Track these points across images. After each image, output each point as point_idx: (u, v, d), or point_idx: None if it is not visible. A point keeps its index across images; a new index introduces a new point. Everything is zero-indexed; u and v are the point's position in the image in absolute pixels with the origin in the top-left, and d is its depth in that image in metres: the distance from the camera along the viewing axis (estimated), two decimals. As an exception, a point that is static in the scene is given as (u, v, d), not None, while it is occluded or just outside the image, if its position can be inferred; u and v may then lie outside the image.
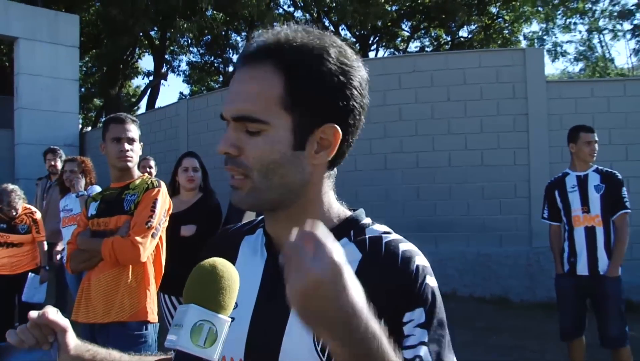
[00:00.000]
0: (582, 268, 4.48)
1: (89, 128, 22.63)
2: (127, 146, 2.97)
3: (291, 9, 22.12)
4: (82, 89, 21.44)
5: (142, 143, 3.12)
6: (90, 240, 2.93)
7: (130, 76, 24.62)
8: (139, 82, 28.73)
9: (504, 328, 6.57)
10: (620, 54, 56.47)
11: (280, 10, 20.62)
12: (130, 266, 2.86)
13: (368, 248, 1.04)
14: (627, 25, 21.74)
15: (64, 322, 1.09)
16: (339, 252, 0.78)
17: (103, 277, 2.84)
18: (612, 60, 23.79)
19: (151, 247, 2.88)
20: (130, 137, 2.99)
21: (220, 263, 0.90)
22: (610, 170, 4.58)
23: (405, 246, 1.04)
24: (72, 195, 5.39)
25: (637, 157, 7.63)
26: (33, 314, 1.06)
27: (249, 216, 4.16)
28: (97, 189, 5.38)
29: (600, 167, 4.59)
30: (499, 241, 8.12)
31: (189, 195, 4.21)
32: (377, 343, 0.80)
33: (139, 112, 23.98)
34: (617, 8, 21.20)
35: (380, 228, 1.09)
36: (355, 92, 1.01)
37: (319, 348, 0.97)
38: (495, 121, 8.20)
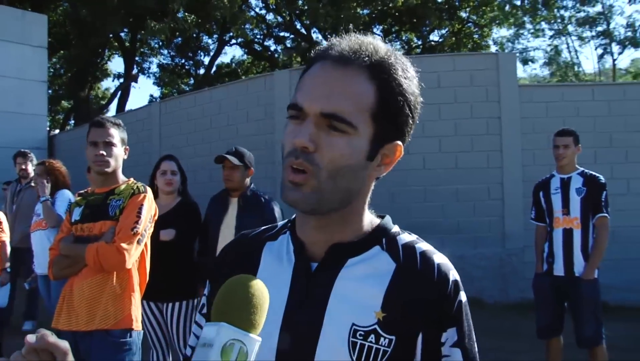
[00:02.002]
0: (559, 269, 4.57)
1: (57, 131, 22.24)
2: (102, 151, 2.90)
3: (263, 11, 22.08)
4: (50, 91, 21.07)
5: (126, 147, 3.05)
6: (73, 246, 2.87)
7: (99, 77, 24.27)
8: (109, 84, 28.39)
9: (479, 329, 6.50)
10: (588, 58, 57.48)
11: (252, 13, 20.52)
12: (115, 272, 2.80)
13: (402, 258, 1.04)
14: (588, 33, 22.25)
15: (64, 345, 1.01)
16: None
17: (87, 284, 2.78)
18: (578, 64, 24.27)
19: (136, 253, 2.83)
20: (108, 141, 2.92)
21: (252, 280, 0.87)
22: (594, 174, 4.64)
23: (440, 258, 1.06)
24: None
25: (605, 161, 7.78)
26: (31, 338, 0.97)
27: (229, 220, 4.13)
28: (67, 193, 5.29)
29: (585, 171, 4.66)
30: (473, 243, 8.20)
31: (167, 199, 4.16)
32: None
33: (109, 114, 23.62)
34: (582, 15, 21.67)
35: (409, 236, 1.10)
36: (417, 117, 1.05)
37: (354, 359, 0.96)
38: (469, 124, 8.28)
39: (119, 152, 2.99)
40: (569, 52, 24.21)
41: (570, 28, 22.85)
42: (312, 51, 1.09)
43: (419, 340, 0.98)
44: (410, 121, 1.03)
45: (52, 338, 1.01)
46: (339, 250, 1.04)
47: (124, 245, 2.74)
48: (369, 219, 1.10)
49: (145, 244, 2.95)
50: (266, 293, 0.87)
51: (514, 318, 6.99)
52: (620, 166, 8.00)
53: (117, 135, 2.97)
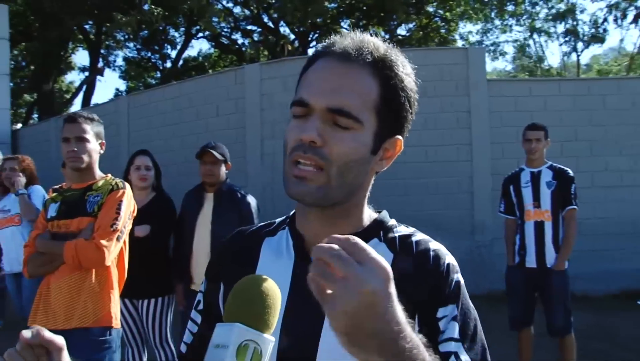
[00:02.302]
0: (531, 261, 4.65)
1: (19, 125, 21.76)
2: (73, 146, 2.85)
3: (230, 4, 21.89)
4: (12, 84, 20.58)
5: (102, 142, 3.01)
6: (51, 243, 2.81)
7: (64, 70, 23.79)
8: (73, 77, 27.88)
9: (450, 321, 6.70)
10: (554, 54, 58.68)
11: (220, 6, 20.32)
12: (94, 269, 2.76)
13: (399, 248, 1.07)
14: (560, 28, 22.65)
15: (60, 341, 1.01)
16: (385, 260, 0.77)
17: (64, 281, 2.74)
18: (544, 60, 24.68)
19: (116, 250, 2.80)
20: (80, 136, 2.87)
21: (265, 280, 0.87)
22: (562, 167, 4.75)
23: (434, 245, 1.08)
24: (12, 195, 5.18)
25: (572, 154, 7.95)
26: (26, 334, 0.97)
27: (205, 215, 4.10)
28: (41, 189, 5.19)
29: (554, 164, 4.75)
30: (443, 236, 8.14)
31: (141, 194, 4.11)
32: (418, 351, 0.80)
33: (74, 108, 23.23)
34: (553, 11, 22.04)
35: (406, 228, 1.14)
36: (414, 111, 1.08)
37: None
38: (439, 118, 8.36)
39: (93, 148, 2.93)
40: (535, 47, 24.59)
41: (538, 24, 23.23)
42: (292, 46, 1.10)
43: (416, 319, 1.00)
44: (410, 116, 1.06)
45: (47, 334, 1.00)
46: None
47: (103, 242, 2.70)
48: (368, 213, 1.12)
49: (124, 241, 2.92)
50: (278, 292, 0.87)
51: (484, 310, 7.01)
52: (585, 159, 8.18)
53: (90, 130, 2.91)
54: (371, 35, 1.06)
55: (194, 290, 4.07)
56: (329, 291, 0.74)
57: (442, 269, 1.05)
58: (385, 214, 1.16)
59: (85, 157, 2.88)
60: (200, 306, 1.20)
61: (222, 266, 1.18)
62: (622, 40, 36.47)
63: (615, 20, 20.67)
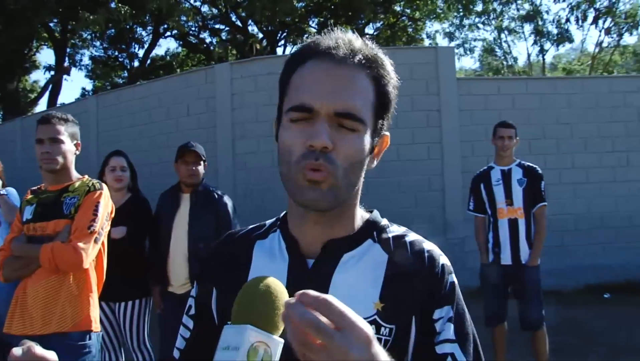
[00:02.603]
0: (506, 258, 4.72)
1: (-18, 125, 21.26)
2: (47, 148, 2.81)
3: (198, 3, 21.70)
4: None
5: (77, 142, 2.97)
6: (26, 246, 2.76)
7: (28, 69, 23.31)
8: (38, 76, 27.33)
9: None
10: (522, 54, 59.58)
11: (188, 5, 20.14)
12: (72, 273, 2.71)
13: (393, 248, 1.08)
14: (527, 27, 23.01)
15: (52, 357, 1.00)
16: (366, 324, 0.76)
17: (41, 285, 2.68)
18: (512, 59, 25.05)
19: (94, 253, 2.75)
20: (54, 137, 2.82)
21: (273, 281, 0.86)
22: (531, 165, 4.84)
23: (428, 245, 1.10)
24: None
25: (540, 152, 8.10)
26: (16, 351, 0.96)
27: (181, 216, 4.07)
28: (14, 190, 5.09)
29: (522, 162, 4.83)
30: (415, 234, 8.33)
31: (117, 195, 4.05)
32: None
33: (39, 109, 22.78)
34: (521, 12, 22.38)
35: (399, 228, 1.14)
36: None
37: None
38: (410, 116, 8.42)
39: (68, 149, 2.88)
40: (501, 47, 24.93)
41: (505, 23, 23.56)
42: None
43: (413, 321, 1.03)
44: (394, 112, 1.09)
45: (39, 350, 0.98)
46: (334, 246, 1.07)
47: (80, 244, 2.65)
48: (360, 214, 1.13)
49: (102, 243, 2.87)
50: (286, 294, 0.86)
51: (456, 306, 7.19)
52: (553, 157, 8.34)
53: (64, 131, 2.87)
54: (352, 32, 1.07)
55: (171, 292, 4.04)
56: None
57: (437, 270, 1.06)
58: (376, 213, 1.16)
59: (60, 159, 2.84)
60: (192, 311, 1.19)
61: (214, 271, 1.18)
62: (583, 41, 37.13)
63: (577, 21, 21.09)
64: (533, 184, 4.73)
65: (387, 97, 1.05)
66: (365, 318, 0.97)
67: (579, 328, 6.27)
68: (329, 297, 0.74)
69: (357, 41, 1.03)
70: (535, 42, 22.68)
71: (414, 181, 8.46)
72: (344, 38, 1.03)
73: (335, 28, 1.06)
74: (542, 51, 23.12)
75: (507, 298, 4.84)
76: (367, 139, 1.02)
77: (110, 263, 3.17)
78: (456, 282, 1.08)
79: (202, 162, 4.06)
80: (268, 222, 1.20)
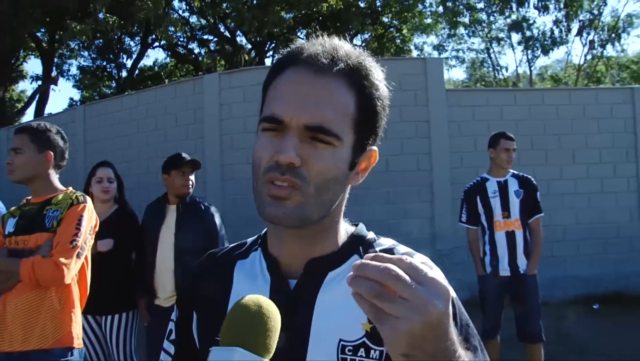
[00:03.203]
0: (504, 270, 4.66)
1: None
2: (9, 159, 2.77)
3: (187, 14, 21.72)
4: (-41, 94, 19.92)
5: (48, 152, 2.82)
6: (6, 260, 2.67)
7: (15, 79, 23.16)
8: (25, 86, 27.15)
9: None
10: (508, 64, 59.96)
11: (176, 15, 20.14)
12: (54, 288, 2.64)
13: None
14: (516, 37, 23.21)
15: None
16: (445, 279, 0.73)
17: (21, 301, 2.59)
18: (499, 70, 25.24)
19: (76, 268, 2.67)
20: (14, 148, 2.76)
21: (265, 302, 0.82)
22: (526, 175, 4.80)
23: (420, 258, 1.02)
24: None
25: (529, 162, 8.09)
26: None
27: (168, 227, 4.03)
28: None
29: (516, 173, 4.78)
30: (404, 245, 8.32)
31: (103, 207, 4.00)
32: None
33: (26, 118, 22.61)
34: (508, 21, 22.57)
35: (386, 241, 1.08)
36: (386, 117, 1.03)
37: None
38: (399, 127, 8.41)
39: (28, 160, 2.77)
40: (490, 58, 25.13)
41: (493, 33, 23.75)
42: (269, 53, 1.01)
43: None
44: (384, 125, 1.02)
45: None
46: (317, 265, 1.00)
47: (62, 260, 2.57)
48: (344, 228, 1.07)
49: (86, 257, 2.80)
50: (278, 314, 0.82)
51: (446, 317, 7.16)
52: (541, 168, 8.35)
53: (26, 141, 2.77)
54: (340, 39, 0.99)
55: (158, 305, 3.98)
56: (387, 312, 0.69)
57: None
58: (362, 227, 1.10)
59: (20, 170, 2.76)
60: (173, 336, 1.14)
61: (193, 294, 1.12)
62: (568, 53, 37.53)
63: (561, 32, 21.33)
64: (529, 196, 4.69)
65: (372, 110, 0.97)
66: (353, 341, 0.94)
67: (569, 339, 6.25)
68: (407, 258, 0.72)
69: (341, 49, 0.96)
70: (525, 49, 22.85)
71: (403, 192, 8.44)
72: (327, 45, 0.96)
73: (323, 35, 0.99)
74: (529, 61, 23.32)
75: (502, 310, 4.78)
76: (344, 154, 0.95)
77: (97, 275, 3.10)
78: (454, 294, 0.99)
79: (194, 173, 4.06)
80: (250, 240, 1.14)
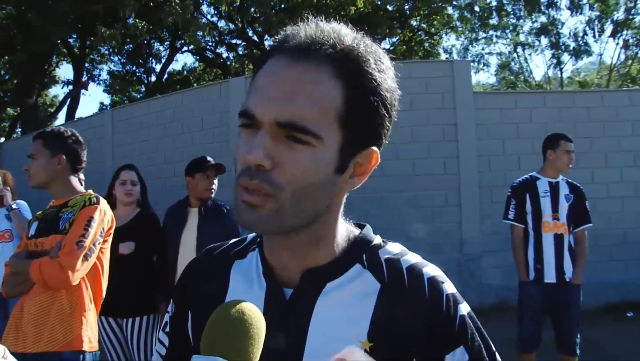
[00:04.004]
0: (550, 276, 4.44)
1: (2, 139, 21.49)
2: (27, 165, 2.84)
3: (215, 18, 21.87)
4: (-6, 98, 20.38)
5: (60, 156, 2.86)
6: (20, 262, 2.72)
7: (48, 84, 23.59)
8: (57, 91, 27.66)
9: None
10: (539, 67, 59.16)
11: (204, 20, 20.29)
12: (65, 290, 2.64)
13: (387, 276, 0.91)
14: (544, 41, 22.91)
15: None
16: None
17: (34, 302, 2.62)
18: (529, 73, 24.93)
19: (83, 269, 2.65)
20: (29, 154, 2.84)
21: (248, 308, 0.76)
22: (575, 183, 4.64)
23: (430, 271, 0.93)
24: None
25: (559, 166, 7.96)
26: None
27: (189, 231, 4.01)
28: (23, 203, 5.07)
29: (566, 179, 4.62)
30: (431, 249, 8.23)
31: (126, 210, 4.02)
32: None
33: (58, 123, 22.99)
34: (536, 25, 22.30)
35: (394, 247, 0.97)
36: (394, 114, 0.90)
37: None
38: (426, 130, 8.34)
39: (42, 165, 2.83)
40: (519, 60, 24.84)
41: (522, 37, 23.49)
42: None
43: None
44: (387, 122, 0.88)
45: (10, 357, 0.93)
46: (314, 275, 0.91)
47: (66, 261, 2.58)
48: (345, 233, 0.95)
49: (100, 259, 2.80)
50: (263, 321, 0.76)
51: (473, 323, 7.04)
52: (572, 171, 8.09)
53: (40, 146, 2.84)
54: (337, 22, 0.87)
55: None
56: None
57: (441, 302, 0.88)
58: (368, 230, 0.98)
59: (33, 176, 2.83)
60: (168, 329, 1.08)
61: (190, 292, 1.05)
62: (601, 55, 36.94)
63: (594, 34, 20.96)
64: (579, 203, 4.54)
65: (365, 105, 0.83)
66: None
67: (600, 348, 6.08)
68: None
69: (330, 32, 0.83)
70: (552, 56, 22.52)
71: (430, 196, 8.34)
72: (312, 29, 0.84)
73: (319, 18, 0.87)
74: (559, 64, 22.96)
75: (544, 320, 4.56)
76: (327, 156, 0.82)
77: (119, 278, 3.12)
78: (467, 313, 0.90)
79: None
80: (250, 236, 1.05)
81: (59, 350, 2.59)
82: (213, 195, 4.06)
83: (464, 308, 0.90)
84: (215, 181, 4.05)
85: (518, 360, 4.60)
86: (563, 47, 21.99)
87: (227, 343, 0.72)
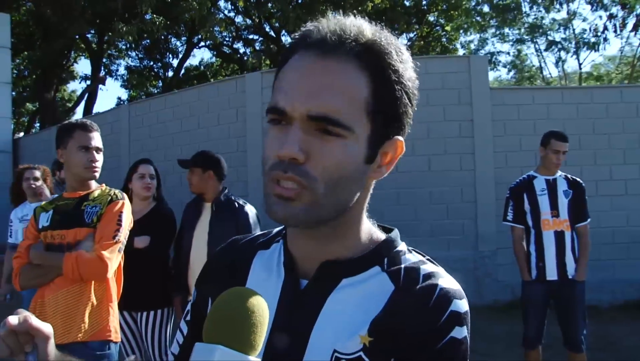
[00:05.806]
0: (551, 273, 4.44)
1: (21, 134, 21.75)
2: (94, 156, 2.83)
3: (232, 13, 21.92)
4: (13, 93, 20.59)
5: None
6: (47, 255, 2.73)
7: (66, 79, 23.81)
8: (75, 86, 27.91)
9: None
10: (554, 63, 58.45)
11: (221, 15, 20.35)
12: (93, 282, 2.69)
13: (402, 280, 0.91)
14: (559, 35, 22.68)
15: (48, 329, 0.95)
16: None
17: (61, 294, 2.66)
18: (545, 68, 24.71)
19: (116, 262, 2.73)
20: (98, 146, 2.85)
21: (250, 294, 0.77)
22: (575, 178, 4.60)
23: (445, 283, 0.91)
24: (30, 204, 5.09)
25: (576, 163, 7.85)
26: (12, 320, 0.91)
27: (202, 226, 4.03)
28: None
29: (566, 174, 4.60)
30: (447, 246, 8.21)
31: (142, 204, 4.05)
32: None
33: (75, 117, 23.21)
34: (549, 21, 22.08)
35: (417, 256, 0.97)
36: (415, 104, 0.92)
37: None
38: (442, 126, 8.30)
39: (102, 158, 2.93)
40: (537, 55, 24.62)
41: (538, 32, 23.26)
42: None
43: None
44: (410, 111, 0.90)
45: (35, 321, 0.93)
46: (332, 268, 0.92)
47: (106, 254, 2.63)
48: (369, 232, 0.97)
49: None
50: (266, 308, 0.77)
51: (488, 320, 7.00)
52: (589, 168, 8.10)
53: (100, 139, 2.92)
54: (355, 17, 0.89)
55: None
56: None
57: (440, 316, 0.87)
58: (395, 235, 0.99)
59: (100, 169, 2.89)
60: (189, 317, 1.11)
61: (212, 279, 1.08)
62: (621, 50, 36.48)
63: (615, 29, 20.68)
64: (578, 198, 4.50)
65: (391, 95, 0.86)
66: (348, 354, 0.86)
67: (617, 347, 6.03)
68: None
69: (353, 27, 0.85)
70: (564, 50, 22.28)
71: (446, 192, 8.31)
72: (336, 24, 0.86)
73: (337, 13, 0.89)
74: (578, 60, 22.75)
75: (546, 317, 4.57)
76: (357, 146, 0.85)
77: (133, 272, 3.16)
78: (461, 338, 0.87)
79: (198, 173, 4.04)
80: (276, 229, 1.08)
81: (87, 340, 2.65)
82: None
83: (461, 332, 0.88)
84: (196, 177, 4.03)
85: (523, 358, 4.63)
86: (581, 43, 21.74)
87: (229, 330, 0.73)
